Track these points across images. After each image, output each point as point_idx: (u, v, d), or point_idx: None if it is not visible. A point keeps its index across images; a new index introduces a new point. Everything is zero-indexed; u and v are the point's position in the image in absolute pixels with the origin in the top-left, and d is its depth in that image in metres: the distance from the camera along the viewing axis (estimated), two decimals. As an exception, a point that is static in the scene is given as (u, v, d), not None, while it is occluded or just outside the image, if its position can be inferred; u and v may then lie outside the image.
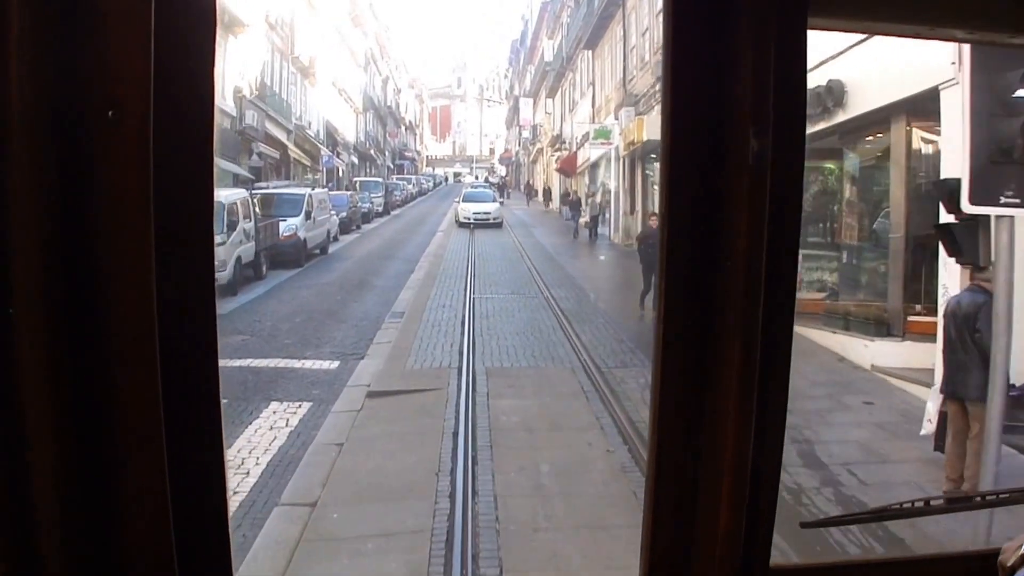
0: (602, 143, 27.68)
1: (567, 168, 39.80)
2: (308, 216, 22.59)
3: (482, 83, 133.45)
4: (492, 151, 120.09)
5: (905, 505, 1.59)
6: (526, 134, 64.93)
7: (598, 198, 29.46)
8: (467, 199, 36.33)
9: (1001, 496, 1.78)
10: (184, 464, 1.05)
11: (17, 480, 0.98)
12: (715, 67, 1.21)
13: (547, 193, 46.80)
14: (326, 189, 28.23)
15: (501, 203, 38.46)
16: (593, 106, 33.63)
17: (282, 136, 35.98)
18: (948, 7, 1.42)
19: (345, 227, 31.42)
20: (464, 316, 13.96)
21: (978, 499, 1.92)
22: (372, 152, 64.62)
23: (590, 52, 34.66)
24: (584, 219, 32.87)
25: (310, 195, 23.31)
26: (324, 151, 42.34)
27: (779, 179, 1.21)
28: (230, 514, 1.13)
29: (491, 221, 34.12)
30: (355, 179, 45.04)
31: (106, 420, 1.01)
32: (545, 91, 52.91)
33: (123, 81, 0.97)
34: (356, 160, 58.42)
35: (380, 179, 46.98)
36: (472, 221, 33.76)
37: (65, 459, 1.00)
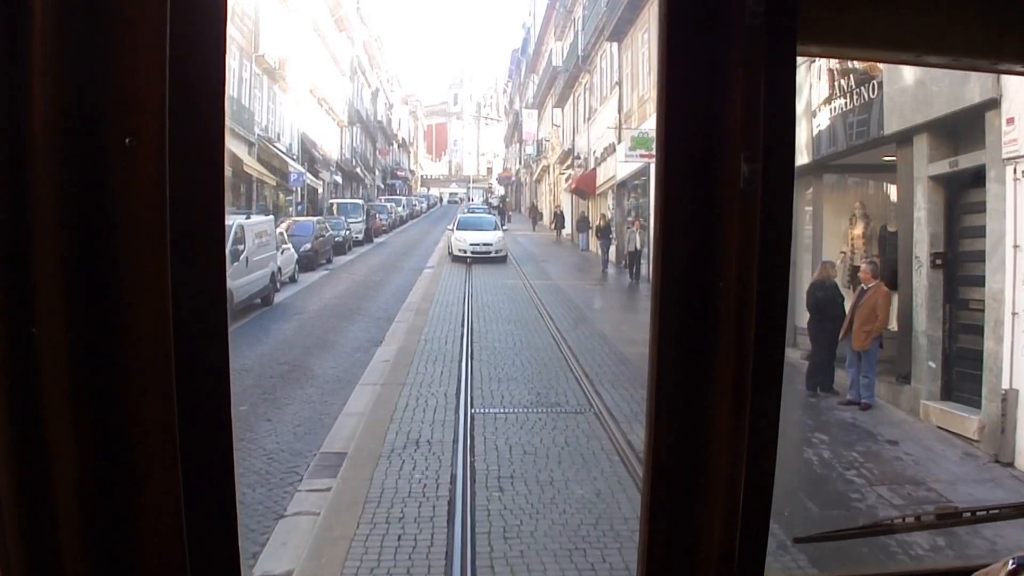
0: (642, 155, 20.91)
1: (584, 188, 33.00)
2: (236, 256, 15.84)
3: (479, 100, 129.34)
4: (490, 170, 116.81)
5: (896, 520, 1.82)
6: (529, 150, 58.04)
7: (635, 229, 22.51)
8: (463, 226, 29.40)
9: (991, 512, 1.74)
10: (197, 477, 1.07)
11: (40, 492, 1.01)
12: (708, 93, 1.23)
13: (558, 218, 38.84)
14: (270, 217, 21.47)
15: (505, 230, 31.53)
16: (620, 111, 26.95)
17: (241, 150, 29.49)
18: (931, 36, 1.48)
19: (309, 263, 24.79)
20: (456, 481, 7.08)
21: (967, 515, 1.69)
22: (359, 170, 58.16)
23: (615, 45, 28.03)
24: (612, 249, 26.18)
25: (241, 226, 16.55)
26: (294, 167, 35.62)
27: (769, 202, 1.24)
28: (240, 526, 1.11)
29: (493, 255, 27.34)
30: (331, 201, 38.25)
31: (124, 433, 1.04)
32: (552, 100, 46.27)
33: (140, 110, 1.00)
34: (340, 179, 52.16)
35: (360, 201, 40.05)
36: (469, 255, 26.96)
37: (85, 472, 1.03)
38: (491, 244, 27.57)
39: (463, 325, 14.70)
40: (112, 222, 1.01)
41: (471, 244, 27.30)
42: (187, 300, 1.05)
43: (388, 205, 49.99)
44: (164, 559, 1.06)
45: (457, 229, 29.00)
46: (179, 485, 1.05)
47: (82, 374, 1.01)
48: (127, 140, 1.00)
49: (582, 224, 32.46)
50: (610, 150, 27.99)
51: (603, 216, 28.10)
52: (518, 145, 73.97)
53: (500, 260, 27.25)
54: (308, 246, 25.46)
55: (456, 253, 27.49)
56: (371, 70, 66.90)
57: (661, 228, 1.25)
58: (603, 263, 25.94)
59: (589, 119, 33.73)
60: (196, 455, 1.07)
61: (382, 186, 73.60)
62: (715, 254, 1.24)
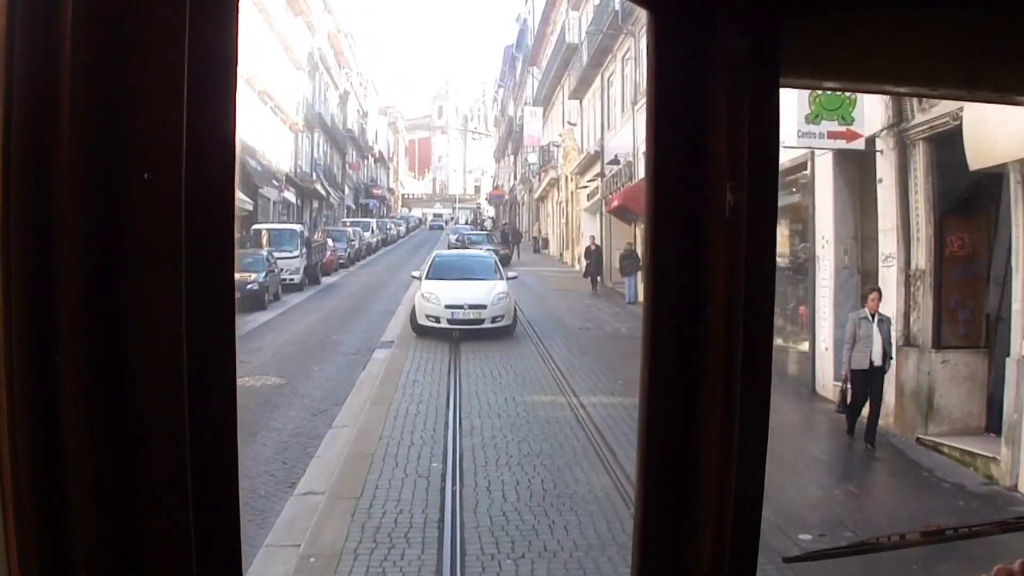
0: (831, 134, 9.53)
1: (631, 206, 21.49)
2: None
3: (466, 113, 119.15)
4: (477, 189, 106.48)
5: (882, 539, 1.78)
6: (531, 159, 46.46)
7: (871, 307, 9.95)
8: (439, 272, 17.13)
9: (974, 528, 1.79)
10: (202, 485, 1.12)
11: (57, 508, 1.06)
12: (695, 125, 1.27)
13: (595, 258, 24.68)
14: None
15: (512, 278, 19.51)
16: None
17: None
18: (910, 70, 1.56)
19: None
20: None
21: (950, 532, 1.78)
22: (319, 187, 46.80)
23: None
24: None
25: None
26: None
27: (754, 231, 1.28)
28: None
29: (489, 325, 15.67)
30: (255, 227, 26.65)
31: (136, 447, 1.08)
32: (565, 91, 35.09)
33: (158, 146, 1.07)
34: (293, 197, 40.93)
35: (297, 226, 28.34)
36: (455, 328, 15.37)
37: (99, 483, 1.08)
38: (485, 305, 15.75)
39: None
40: (131, 251, 1.07)
41: (448, 306, 15.47)
42: (198, 321, 1.10)
43: (350, 230, 38.57)
44: (170, 562, 1.11)
45: (427, 277, 16.78)
46: (187, 492, 1.10)
47: (98, 393, 1.07)
48: (146, 175, 1.06)
49: (629, 262, 21.04)
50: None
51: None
52: (513, 157, 62.76)
53: (504, 333, 15.76)
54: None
55: (424, 323, 15.72)
56: (339, 69, 55.89)
57: (651, 255, 1.29)
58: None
59: (636, 103, 22.40)
60: (202, 467, 1.12)
61: (353, 206, 62.35)
62: (703, 281, 1.28)
